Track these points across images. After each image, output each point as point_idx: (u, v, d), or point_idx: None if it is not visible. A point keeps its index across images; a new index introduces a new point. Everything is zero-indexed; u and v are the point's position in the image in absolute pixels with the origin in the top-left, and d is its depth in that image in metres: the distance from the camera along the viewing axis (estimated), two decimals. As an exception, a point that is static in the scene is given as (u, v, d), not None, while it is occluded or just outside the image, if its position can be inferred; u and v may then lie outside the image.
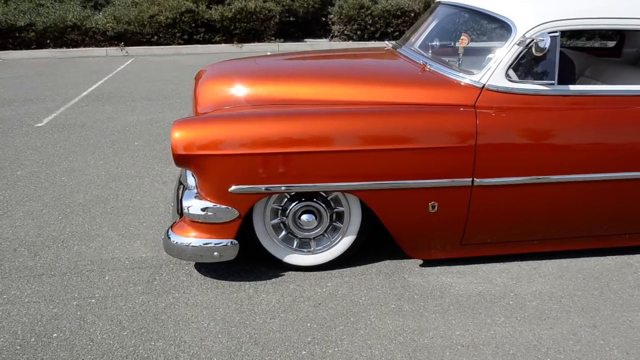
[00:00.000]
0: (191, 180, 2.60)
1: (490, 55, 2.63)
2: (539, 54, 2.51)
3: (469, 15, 3.01)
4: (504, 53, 2.57)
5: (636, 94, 2.69)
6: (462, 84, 2.63)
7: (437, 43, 3.21)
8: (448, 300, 2.57)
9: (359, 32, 11.02)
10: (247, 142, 2.40)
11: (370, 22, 10.92)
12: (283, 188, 2.47)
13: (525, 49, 2.53)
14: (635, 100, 2.68)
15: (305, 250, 2.77)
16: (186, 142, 2.39)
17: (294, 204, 2.65)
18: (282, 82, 2.94)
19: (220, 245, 2.53)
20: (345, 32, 11.11)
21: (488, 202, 2.61)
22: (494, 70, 2.57)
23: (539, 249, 2.90)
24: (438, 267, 2.85)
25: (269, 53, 9.64)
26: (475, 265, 2.87)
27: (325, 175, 2.46)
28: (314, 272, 2.78)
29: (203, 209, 2.48)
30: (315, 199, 2.66)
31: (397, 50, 3.33)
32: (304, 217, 2.67)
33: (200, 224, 2.52)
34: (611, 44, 4.55)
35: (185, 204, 2.52)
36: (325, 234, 2.76)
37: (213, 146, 2.39)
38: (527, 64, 2.58)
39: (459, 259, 2.87)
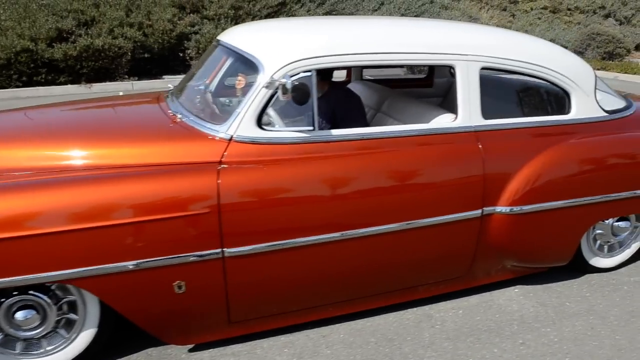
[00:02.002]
0: None
1: (240, 102, 2.27)
2: (289, 97, 2.19)
3: (234, 55, 2.65)
4: (252, 98, 2.22)
5: (412, 134, 2.46)
6: (209, 136, 2.25)
7: (210, 86, 2.81)
8: (207, 398, 2.12)
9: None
10: None
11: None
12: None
13: (275, 92, 2.19)
14: (411, 141, 2.44)
15: (35, 353, 2.19)
16: None
17: (2, 299, 2.08)
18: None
19: None
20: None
21: (248, 273, 2.22)
22: (243, 118, 2.21)
23: (330, 313, 2.56)
24: (210, 350, 2.40)
25: (121, 93, 8.92)
26: (256, 341, 2.46)
27: (23, 265, 1.93)
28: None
29: None
30: (31, 291, 2.10)
31: (166, 96, 2.89)
32: (20, 314, 2.11)
33: None
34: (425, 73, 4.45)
35: None
36: (58, 330, 2.21)
37: None
38: (280, 109, 2.25)
39: (239, 336, 2.44)
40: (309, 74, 2.24)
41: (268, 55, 2.28)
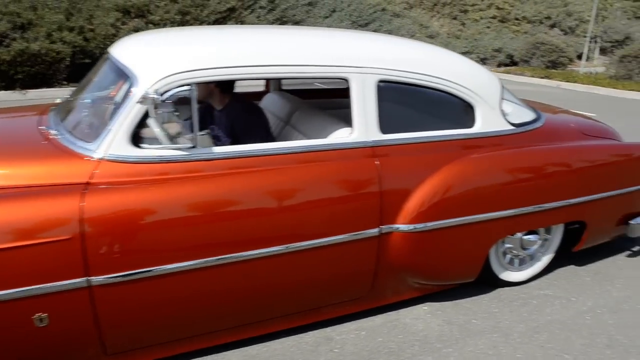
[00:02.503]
0: None
1: (114, 118, 2.11)
2: (164, 113, 2.05)
3: (115, 68, 2.47)
4: (125, 114, 2.07)
5: (304, 150, 2.35)
6: (80, 155, 2.08)
7: (89, 101, 2.61)
8: None
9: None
10: None
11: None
12: None
13: (151, 108, 2.05)
14: (302, 157, 2.34)
15: None
16: None
17: None
18: None
19: None
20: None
21: (120, 302, 2.06)
22: (115, 135, 2.06)
23: (223, 339, 2.42)
24: (87, 385, 2.22)
25: (58, 100, 8.56)
26: (139, 373, 2.30)
27: None
28: None
29: None
30: None
31: (51, 109, 2.71)
32: None
33: None
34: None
35: None
36: None
37: None
38: (157, 126, 2.10)
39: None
40: (186, 88, 2.10)
41: (144, 68, 2.14)
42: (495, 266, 3.00)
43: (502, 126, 2.80)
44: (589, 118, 3.74)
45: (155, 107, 2.03)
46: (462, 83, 2.65)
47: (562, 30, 18.09)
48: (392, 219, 2.48)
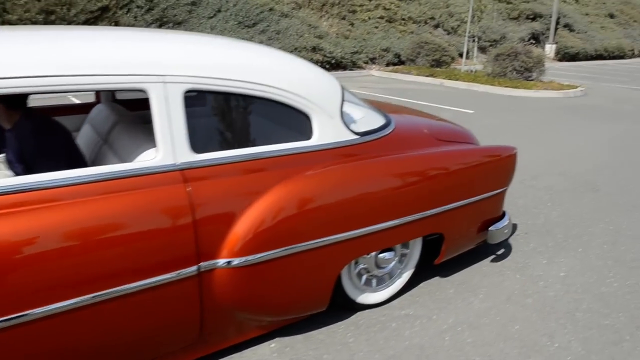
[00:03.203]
0: None
1: None
2: None
3: None
4: None
5: (98, 179, 1.89)
6: None
7: None
8: None
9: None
10: None
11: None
12: None
13: None
14: (95, 188, 1.87)
15: None
16: None
17: None
18: None
19: None
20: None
21: None
22: None
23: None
24: None
25: None
26: None
27: None
28: None
29: None
30: None
31: None
32: None
33: None
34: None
35: None
36: None
37: None
38: None
39: None
40: None
41: None
42: (349, 290, 2.72)
43: (344, 136, 2.51)
44: (445, 120, 3.60)
45: None
46: (293, 90, 2.32)
47: (445, 30, 18.84)
48: (213, 254, 2.09)
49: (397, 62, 15.79)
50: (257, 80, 2.22)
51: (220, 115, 2.18)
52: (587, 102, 11.52)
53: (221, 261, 2.11)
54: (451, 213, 2.85)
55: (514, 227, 4.09)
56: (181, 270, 2.02)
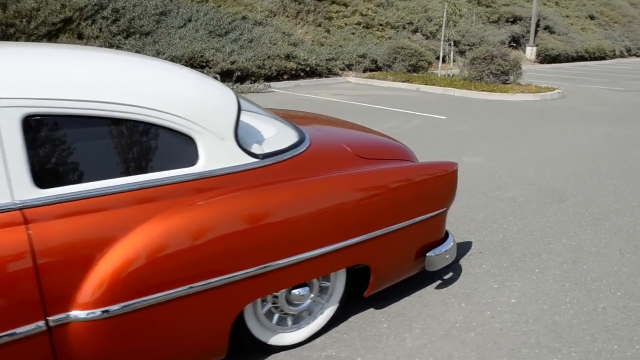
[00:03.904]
0: None
1: None
2: None
3: None
4: None
5: None
6: None
7: None
8: None
9: None
10: None
11: None
12: None
13: None
14: None
15: None
16: None
17: None
18: None
19: None
20: None
21: None
22: None
23: None
24: None
25: None
26: None
27: None
28: None
29: None
30: None
31: None
32: None
33: None
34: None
35: None
36: None
37: None
38: None
39: None
40: None
41: None
42: (257, 332, 2.38)
43: (239, 160, 2.17)
44: (379, 134, 3.28)
45: None
46: (169, 109, 1.98)
47: (423, 35, 18.62)
48: (65, 306, 1.75)
49: (374, 68, 15.52)
50: (119, 100, 1.88)
51: (72, 142, 1.83)
52: (564, 104, 11.30)
53: (76, 313, 1.76)
54: (377, 241, 2.52)
55: (468, 246, 3.77)
56: (25, 327, 1.68)
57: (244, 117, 2.54)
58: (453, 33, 14.58)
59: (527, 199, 4.87)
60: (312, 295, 2.52)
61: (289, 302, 2.45)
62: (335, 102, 10.92)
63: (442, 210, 2.88)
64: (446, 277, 3.29)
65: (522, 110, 10.30)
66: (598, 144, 7.29)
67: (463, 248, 3.72)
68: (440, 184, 2.87)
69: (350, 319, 2.80)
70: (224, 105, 2.20)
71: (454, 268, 3.41)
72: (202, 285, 1.98)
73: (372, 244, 2.51)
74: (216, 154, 2.11)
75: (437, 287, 3.16)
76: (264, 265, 2.14)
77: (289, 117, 3.05)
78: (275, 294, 2.37)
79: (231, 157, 2.15)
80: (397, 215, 2.60)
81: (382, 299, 2.98)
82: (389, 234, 2.57)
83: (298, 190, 2.26)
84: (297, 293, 2.43)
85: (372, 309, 2.90)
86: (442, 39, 14.18)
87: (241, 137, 2.24)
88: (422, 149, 6.56)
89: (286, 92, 12.47)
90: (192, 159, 2.06)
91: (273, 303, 2.42)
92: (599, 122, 9.12)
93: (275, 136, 2.46)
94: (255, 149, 2.28)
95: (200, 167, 2.07)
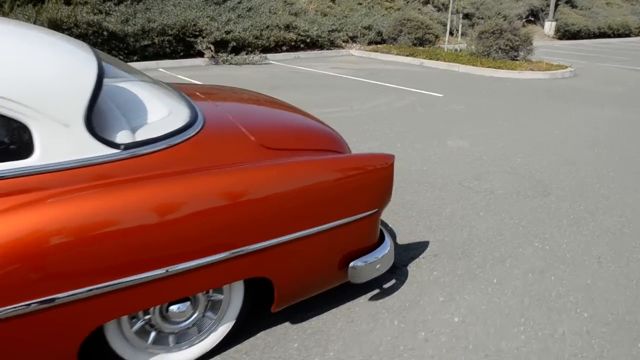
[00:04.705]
0: None
1: None
2: None
3: None
4: None
5: None
6: None
7: None
8: None
9: None
10: None
11: None
12: None
13: None
14: None
15: None
16: None
17: None
18: None
19: None
20: None
21: None
22: None
23: None
24: None
25: None
26: None
27: None
28: None
29: None
30: None
31: None
32: None
33: None
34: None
35: None
36: None
37: None
38: None
39: None
40: None
41: None
42: (127, 354, 1.98)
43: (91, 151, 1.74)
44: (308, 116, 2.80)
45: None
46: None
47: (435, 6, 17.76)
48: None
49: (380, 41, 14.83)
50: None
51: None
52: (574, 83, 10.60)
53: None
54: (278, 250, 2.09)
55: (423, 247, 3.32)
56: None
57: (124, 96, 2.10)
58: (465, 5, 13.77)
59: (506, 191, 4.37)
60: (196, 311, 2.11)
61: (166, 319, 2.04)
62: (330, 76, 10.37)
63: (373, 211, 2.43)
64: (386, 285, 2.86)
65: (528, 89, 9.65)
66: (601, 130, 6.69)
67: (416, 249, 3.28)
68: (372, 180, 2.41)
69: (258, 335, 2.40)
70: (73, 82, 1.76)
71: (399, 274, 2.97)
72: (32, 305, 1.58)
73: (271, 254, 2.08)
74: (57, 144, 1.68)
75: (372, 299, 2.73)
76: (114, 282, 1.72)
77: (204, 94, 2.60)
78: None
79: (79, 148, 1.72)
80: (307, 220, 2.16)
81: (304, 310, 2.57)
82: (296, 242, 2.14)
83: (164, 190, 1.83)
84: (175, 309, 2.03)
85: (287, 323, 2.49)
86: (450, 9, 13.40)
87: (99, 123, 1.80)
88: (404, 129, 6.05)
89: (283, 65, 11.92)
90: (26, 151, 1.64)
91: (147, 321, 2.02)
92: (608, 104, 8.47)
93: (159, 121, 2.01)
94: (120, 137, 1.84)
95: (36, 159, 1.65)
